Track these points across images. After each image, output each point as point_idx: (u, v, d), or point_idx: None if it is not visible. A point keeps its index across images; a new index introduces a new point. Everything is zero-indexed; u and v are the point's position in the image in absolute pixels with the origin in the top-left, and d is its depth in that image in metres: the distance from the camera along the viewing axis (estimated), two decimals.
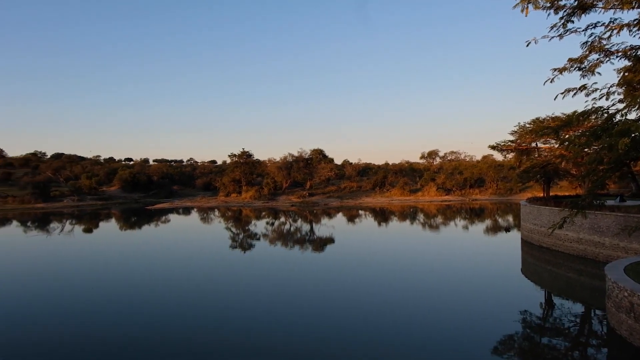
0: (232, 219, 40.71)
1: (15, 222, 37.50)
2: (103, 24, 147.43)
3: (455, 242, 26.19)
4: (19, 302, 13.79)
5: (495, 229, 31.52)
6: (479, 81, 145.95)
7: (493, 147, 31.04)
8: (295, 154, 61.45)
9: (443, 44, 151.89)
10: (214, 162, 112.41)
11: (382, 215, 42.35)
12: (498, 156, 58.93)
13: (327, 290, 14.71)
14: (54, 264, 20.54)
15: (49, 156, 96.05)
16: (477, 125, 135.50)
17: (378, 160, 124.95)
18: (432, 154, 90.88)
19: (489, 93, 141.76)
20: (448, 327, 10.87)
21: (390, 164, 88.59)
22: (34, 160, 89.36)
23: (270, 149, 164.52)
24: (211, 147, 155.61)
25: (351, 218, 40.05)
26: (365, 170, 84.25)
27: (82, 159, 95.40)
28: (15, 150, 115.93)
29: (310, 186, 61.69)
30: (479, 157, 78.66)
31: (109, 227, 35.61)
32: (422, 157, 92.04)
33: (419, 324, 11.15)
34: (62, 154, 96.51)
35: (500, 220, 37.22)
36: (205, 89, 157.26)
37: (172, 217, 42.11)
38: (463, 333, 10.48)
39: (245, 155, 61.45)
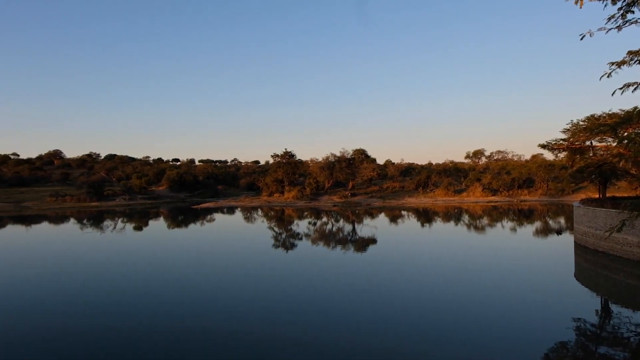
0: (274, 219, 41.27)
1: (72, 220, 39.65)
2: (151, 32, 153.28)
3: (503, 244, 25.31)
4: (76, 293, 14.56)
5: (545, 231, 30.19)
6: (528, 78, 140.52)
7: (543, 146, 29.65)
8: (338, 154, 61.48)
9: (488, 37, 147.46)
10: (257, 162, 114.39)
11: (425, 216, 41.59)
12: (548, 155, 56.69)
13: (371, 292, 14.59)
14: (105, 259, 21.54)
15: (102, 157, 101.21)
16: (525, 124, 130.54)
17: (421, 160, 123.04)
18: (478, 154, 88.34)
19: (537, 90, 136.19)
20: (497, 333, 10.53)
21: (434, 163, 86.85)
22: (89, 161, 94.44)
23: (313, 149, 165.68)
24: (254, 148, 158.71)
25: (394, 218, 39.58)
26: (408, 170, 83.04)
27: (132, 159, 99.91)
28: (72, 151, 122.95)
29: (352, 186, 61.51)
30: (527, 157, 75.83)
31: (157, 225, 37.05)
32: (467, 156, 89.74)
33: (467, 329, 10.83)
34: (115, 155, 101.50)
35: (551, 222, 35.61)
36: (247, 90, 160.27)
37: (217, 216, 43.20)
38: (513, 339, 10.13)
39: (288, 156, 62.11)
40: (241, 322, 11.58)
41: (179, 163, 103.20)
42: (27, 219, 39.24)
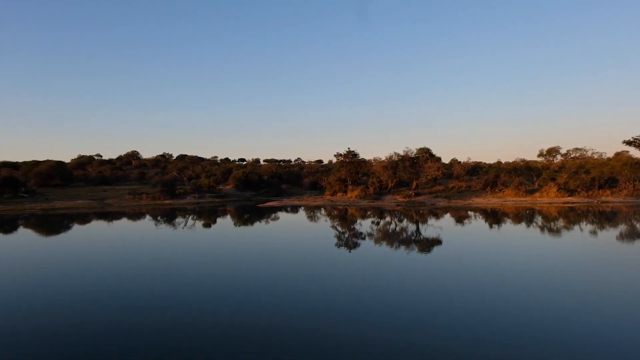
0: (337, 218, 41.47)
1: (148, 216, 42.32)
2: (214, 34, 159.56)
3: (583, 249, 23.60)
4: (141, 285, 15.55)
5: (632, 235, 27.76)
6: (608, 73, 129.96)
7: (629, 143, 27.44)
8: (401, 153, 60.47)
9: (562, 32, 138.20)
10: (320, 161, 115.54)
11: (494, 217, 39.80)
12: (635, 152, 51.99)
13: (437, 294, 14.24)
14: (175, 254, 22.80)
15: (174, 157, 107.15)
16: (606, 119, 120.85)
17: (489, 159, 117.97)
18: (552, 152, 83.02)
19: (619, 85, 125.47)
20: (581, 350, 9.85)
21: (503, 162, 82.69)
22: (162, 161, 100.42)
23: (376, 148, 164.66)
24: (318, 147, 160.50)
25: (460, 219, 38.26)
26: (475, 169, 79.83)
27: (201, 159, 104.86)
28: (148, 152, 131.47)
29: (416, 186, 60.25)
30: (610, 154, 70.11)
31: (225, 223, 38.62)
32: (541, 154, 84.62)
33: (551, 344, 10.22)
34: (185, 155, 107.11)
35: (638, 225, 32.69)
36: (309, 90, 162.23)
37: (281, 214, 44.15)
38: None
39: (351, 155, 62.04)
40: (302, 319, 11.77)
41: (244, 163, 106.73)
42: (109, 215, 42.46)
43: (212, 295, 14.25)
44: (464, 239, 27.92)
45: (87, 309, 12.91)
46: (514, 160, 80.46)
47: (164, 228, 34.05)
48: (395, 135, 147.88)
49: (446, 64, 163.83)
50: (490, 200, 54.10)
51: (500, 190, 57.76)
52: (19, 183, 56.16)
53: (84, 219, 39.96)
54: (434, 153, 65.86)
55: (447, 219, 38.92)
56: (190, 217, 41.18)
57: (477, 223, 36.34)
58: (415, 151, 61.04)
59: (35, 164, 73.17)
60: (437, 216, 40.41)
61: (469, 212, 43.41)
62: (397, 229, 32.67)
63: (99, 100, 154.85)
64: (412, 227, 33.33)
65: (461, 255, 21.94)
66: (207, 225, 36.48)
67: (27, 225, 36.06)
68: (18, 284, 16.31)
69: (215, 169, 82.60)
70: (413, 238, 27.58)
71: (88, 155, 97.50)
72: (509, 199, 54.44)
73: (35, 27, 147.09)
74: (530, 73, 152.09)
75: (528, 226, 33.56)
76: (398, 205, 51.52)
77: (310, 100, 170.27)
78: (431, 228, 32.22)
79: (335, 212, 45.90)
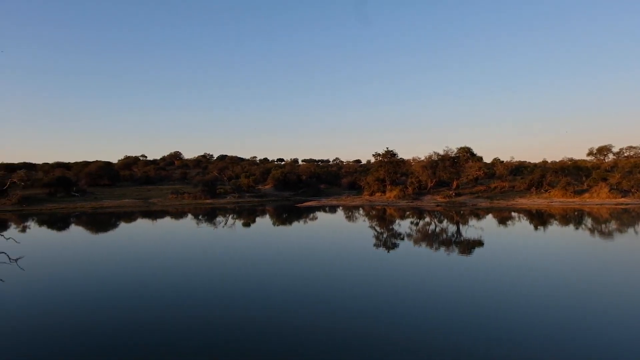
0: (376, 218, 41.15)
1: (190, 215, 43.46)
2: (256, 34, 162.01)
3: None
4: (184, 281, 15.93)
5: None
6: None
7: None
8: (441, 152, 59.21)
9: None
10: (358, 161, 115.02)
11: (539, 218, 38.29)
12: None
13: (482, 298, 13.84)
14: (215, 252, 23.31)
15: (215, 158, 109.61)
16: None
17: (534, 158, 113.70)
18: (604, 150, 78.94)
19: None
20: None
21: (549, 161, 79.46)
22: (203, 161, 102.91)
23: (415, 147, 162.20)
24: (356, 147, 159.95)
25: (503, 220, 37.05)
26: (519, 168, 77.09)
27: (241, 159, 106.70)
28: (190, 153, 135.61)
29: (456, 186, 58.84)
30: None
31: (264, 222, 39.13)
32: (590, 153, 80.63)
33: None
34: (226, 155, 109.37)
35: None
36: (347, 89, 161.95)
37: (319, 214, 44.25)
38: None
39: (389, 155, 61.37)
40: (335, 320, 11.73)
41: (283, 163, 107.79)
42: (153, 214, 43.96)
43: (261, 293, 14.48)
44: (507, 240, 27.02)
45: (136, 303, 13.44)
46: (561, 159, 77.14)
47: (205, 227, 34.92)
48: (434, 134, 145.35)
49: (485, 61, 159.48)
50: (535, 201, 52.10)
51: (546, 191, 55.49)
52: (71, 183, 59.14)
53: (129, 217, 41.61)
54: (475, 152, 64.24)
55: (490, 220, 37.78)
56: (230, 217, 42.01)
57: (522, 224, 35.06)
58: (455, 150, 59.65)
59: (86, 164, 76.86)
60: (479, 217, 39.31)
61: (513, 213, 41.97)
62: (437, 229, 32.03)
63: (144, 103, 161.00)
64: (452, 228, 32.59)
65: (505, 257, 21.24)
66: (246, 224, 37.07)
67: (78, 222, 37.93)
68: (72, 277, 17.21)
69: (254, 169, 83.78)
70: (454, 239, 26.95)
71: (134, 156, 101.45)
72: (555, 199, 52.22)
73: (84, 28, 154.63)
74: (579, 67, 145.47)
75: (577, 228, 32.06)
76: (438, 205, 50.53)
77: (349, 100, 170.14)
78: (472, 229, 31.37)
79: (374, 212, 45.56)
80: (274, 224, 37.66)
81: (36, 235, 30.70)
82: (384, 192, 59.12)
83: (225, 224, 36.34)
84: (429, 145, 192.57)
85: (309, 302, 13.34)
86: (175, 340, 10.34)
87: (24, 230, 32.98)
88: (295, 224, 37.12)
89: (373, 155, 64.20)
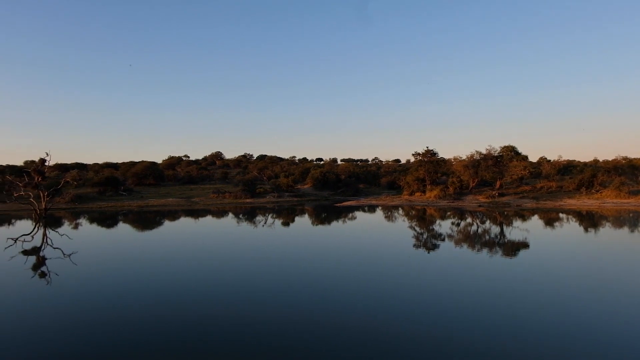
0: (415, 218, 40.51)
1: (230, 214, 44.35)
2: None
3: None
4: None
5: None
6: None
7: None
8: (484, 151, 57.54)
9: None
10: (397, 160, 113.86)
11: (590, 220, 36.45)
12: None
13: (530, 304, 13.31)
14: (255, 250, 23.64)
15: (255, 157, 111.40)
16: None
17: (584, 157, 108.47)
18: None
19: None
20: None
21: (601, 160, 75.63)
22: (244, 161, 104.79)
23: (456, 146, 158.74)
24: (395, 146, 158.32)
25: (550, 221, 35.53)
26: (567, 168, 73.89)
27: (280, 159, 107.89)
28: (230, 153, 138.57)
29: (500, 185, 56.99)
30: None
31: (303, 221, 39.36)
32: None
33: None
34: (265, 155, 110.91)
35: None
36: (386, 88, 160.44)
37: (358, 214, 44.05)
38: None
39: (430, 154, 60.32)
40: (377, 322, 11.59)
41: (322, 162, 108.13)
42: (196, 213, 45.19)
43: (305, 292, 14.58)
44: (554, 243, 25.88)
45: (182, 300, 13.83)
46: (614, 157, 73.14)
47: (245, 225, 35.53)
48: (476, 132, 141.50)
49: (528, 57, 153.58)
50: (585, 202, 49.64)
51: (598, 191, 52.73)
52: (118, 182, 61.83)
53: (173, 215, 42.97)
54: (519, 151, 62.03)
55: (536, 221, 36.33)
56: (269, 216, 42.53)
57: (571, 226, 33.51)
58: (498, 149, 57.83)
59: (132, 164, 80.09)
60: (524, 218, 37.88)
61: (561, 215, 40.17)
62: (479, 230, 31.12)
63: (187, 104, 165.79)
64: (495, 229, 31.57)
65: (551, 261, 20.34)
66: (286, 223, 37.40)
67: (125, 220, 39.56)
68: (122, 273, 17.98)
69: (293, 169, 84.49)
70: (497, 241, 26.09)
71: (177, 156, 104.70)
72: (608, 200, 49.54)
73: (127, 28, 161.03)
74: (634, 58, 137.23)
75: (632, 231, 30.28)
76: (480, 206, 49.15)
77: (389, 99, 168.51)
78: (517, 231, 30.25)
79: (414, 212, 44.88)
80: (313, 223, 37.80)
81: (87, 232, 32.25)
82: (423, 191, 58.14)
83: (265, 222, 36.81)
84: (472, 144, 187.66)
85: (355, 303, 13.27)
86: (236, 335, 10.53)
87: (76, 227, 34.71)
88: (334, 223, 37.09)
89: (413, 154, 63.41)
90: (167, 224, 37.59)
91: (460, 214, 42.47)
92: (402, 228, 34.39)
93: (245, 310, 12.49)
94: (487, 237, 27.95)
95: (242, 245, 25.82)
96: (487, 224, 35.27)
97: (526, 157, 66.08)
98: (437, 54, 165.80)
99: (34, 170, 42.26)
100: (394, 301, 13.30)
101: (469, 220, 37.56)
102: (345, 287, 15.13)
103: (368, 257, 21.21)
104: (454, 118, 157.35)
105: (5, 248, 23.41)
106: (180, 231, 33.41)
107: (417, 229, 33.29)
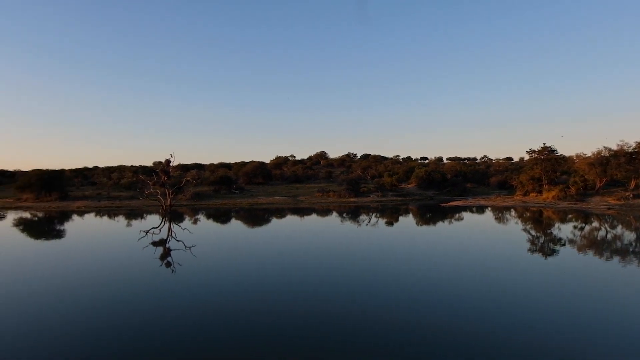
0: (530, 220, 37.32)
1: (334, 213, 45.09)
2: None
3: None
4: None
5: None
6: None
7: None
8: (614, 147, 51.06)
9: None
10: (509, 159, 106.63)
11: None
12: None
13: None
14: (360, 249, 23.64)
15: (358, 157, 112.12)
16: None
17: None
18: None
19: None
20: None
21: None
22: (347, 160, 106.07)
23: (577, 142, 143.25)
24: (506, 143, 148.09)
25: None
26: None
27: (384, 158, 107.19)
28: (334, 152, 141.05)
29: (635, 186, 50.13)
30: None
31: (406, 221, 38.52)
32: None
33: None
34: (369, 154, 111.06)
35: None
36: (495, 82, 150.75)
37: (466, 215, 41.96)
38: None
39: (547, 151, 55.21)
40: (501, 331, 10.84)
41: (427, 161, 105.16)
42: (301, 211, 46.76)
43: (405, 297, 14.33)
44: None
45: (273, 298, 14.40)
46: None
47: (350, 224, 35.85)
48: (604, 125, 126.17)
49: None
50: None
51: None
52: (231, 181, 66.56)
53: (280, 213, 44.98)
54: None
55: None
56: (373, 215, 42.39)
57: None
58: (634, 145, 50.83)
59: (243, 164, 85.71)
60: None
61: None
62: (608, 236, 27.63)
63: (291, 105, 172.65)
64: (630, 236, 27.80)
65: None
66: (389, 223, 36.97)
67: (237, 217, 42.39)
68: (237, 267, 19.30)
69: (397, 168, 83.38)
70: (631, 249, 22.93)
71: (284, 156, 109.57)
72: None
73: (226, 28, 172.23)
74: None
75: None
76: (609, 208, 43.68)
77: (498, 94, 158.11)
78: None
79: (528, 214, 41.42)
80: (417, 223, 36.82)
81: (205, 227, 35.17)
82: (539, 192, 53.42)
83: (369, 222, 36.75)
84: (598, 139, 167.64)
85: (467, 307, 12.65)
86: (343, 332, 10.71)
87: (195, 222, 38.04)
88: (439, 223, 35.74)
89: (527, 152, 58.49)
90: (274, 221, 39.47)
91: (585, 216, 38.16)
92: (516, 230, 31.87)
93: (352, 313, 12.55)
94: (618, 243, 24.70)
95: (349, 243, 26.06)
96: (619, 229, 31.20)
97: None
98: (550, 49, 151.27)
99: (161, 170, 47.22)
100: (518, 309, 12.33)
101: (595, 224, 33.59)
102: (459, 291, 14.42)
103: (476, 260, 20.01)
104: (574, 111, 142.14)
105: (139, 239, 26.50)
106: (287, 228, 34.85)
107: (533, 232, 30.58)
